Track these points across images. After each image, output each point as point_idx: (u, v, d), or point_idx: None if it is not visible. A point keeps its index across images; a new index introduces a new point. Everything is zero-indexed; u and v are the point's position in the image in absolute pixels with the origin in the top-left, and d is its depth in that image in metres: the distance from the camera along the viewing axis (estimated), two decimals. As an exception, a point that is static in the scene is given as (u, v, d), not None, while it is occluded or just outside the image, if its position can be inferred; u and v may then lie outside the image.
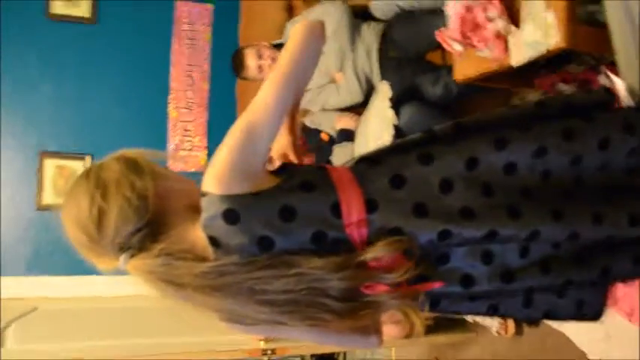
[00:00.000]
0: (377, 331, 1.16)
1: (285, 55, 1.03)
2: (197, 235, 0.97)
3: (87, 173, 1.02)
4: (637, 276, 1.22)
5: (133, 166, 1.01)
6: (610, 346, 1.88)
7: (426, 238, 0.99)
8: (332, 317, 0.98)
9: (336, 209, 0.97)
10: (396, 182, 1.01)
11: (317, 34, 1.08)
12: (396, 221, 0.98)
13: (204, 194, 0.96)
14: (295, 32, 1.06)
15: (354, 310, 0.99)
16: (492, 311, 1.14)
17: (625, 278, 1.21)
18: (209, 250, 0.96)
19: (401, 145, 1.11)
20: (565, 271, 1.09)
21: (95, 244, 0.98)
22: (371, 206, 0.98)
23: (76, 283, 2.90)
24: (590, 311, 1.19)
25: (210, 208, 0.95)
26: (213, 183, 0.95)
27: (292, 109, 1.17)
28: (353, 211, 0.97)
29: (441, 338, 2.79)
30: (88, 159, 3.15)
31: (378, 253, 0.96)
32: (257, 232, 0.94)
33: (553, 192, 1.08)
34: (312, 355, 4.24)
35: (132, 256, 0.97)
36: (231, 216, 0.94)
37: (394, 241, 0.96)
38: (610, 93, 1.23)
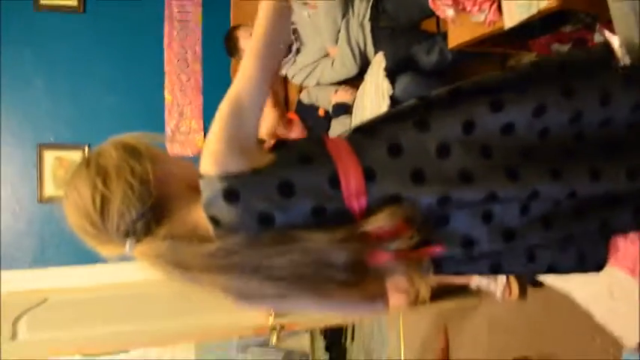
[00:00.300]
0: (382, 295, 1.17)
1: (258, 28, 1.03)
2: (199, 215, 0.97)
3: (86, 162, 1.02)
4: (637, 227, 1.21)
5: (131, 151, 1.01)
6: (615, 303, 1.89)
7: (426, 204, 0.99)
8: (338, 288, 0.99)
9: (334, 181, 0.98)
10: (393, 150, 1.01)
11: (283, 9, 1.07)
12: (394, 188, 0.99)
13: (201, 176, 0.96)
14: (263, 11, 1.05)
15: (360, 280, 1.00)
16: (495, 270, 1.14)
17: (625, 230, 1.21)
18: (211, 230, 0.96)
19: (397, 113, 1.10)
20: (566, 226, 1.09)
21: (99, 232, 0.99)
22: (369, 175, 0.99)
23: (84, 273, 2.92)
24: (592, 263, 1.19)
25: (209, 189, 0.95)
26: (210, 163, 0.95)
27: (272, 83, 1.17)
28: (351, 181, 0.98)
29: (445, 305, 2.81)
30: (87, 148, 3.15)
31: (380, 223, 0.97)
32: (257, 209, 0.95)
33: (552, 150, 1.08)
34: (322, 331, 4.30)
35: (137, 241, 0.98)
36: (230, 194, 0.94)
37: (396, 210, 0.97)
38: (608, 50, 1.22)
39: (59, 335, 2.71)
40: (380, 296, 1.15)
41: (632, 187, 1.10)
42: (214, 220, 0.96)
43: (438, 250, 1.03)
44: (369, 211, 0.98)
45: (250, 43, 1.03)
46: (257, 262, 0.94)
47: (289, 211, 0.96)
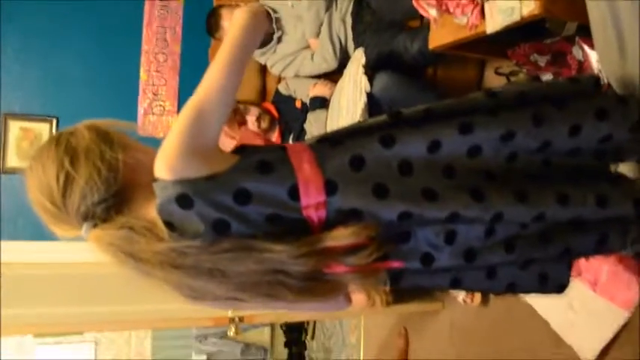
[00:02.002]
0: (345, 293, 1.15)
1: (230, 38, 1.02)
2: (155, 216, 0.95)
3: (57, 138, 1.00)
4: (597, 253, 1.25)
5: (104, 136, 1.00)
6: (574, 315, 1.91)
7: (387, 219, 0.99)
8: (292, 295, 0.98)
9: (293, 191, 0.97)
10: (355, 163, 1.01)
11: (258, 18, 1.06)
12: (355, 202, 0.98)
13: (156, 180, 0.94)
14: (238, 16, 1.05)
15: (315, 288, 1.00)
16: (455, 284, 1.14)
17: (586, 255, 1.25)
18: (166, 232, 0.94)
19: (365, 127, 1.09)
20: (529, 250, 1.10)
21: (58, 210, 0.97)
22: (330, 188, 0.98)
23: (42, 249, 2.84)
24: (553, 285, 1.20)
25: (163, 194, 0.93)
26: (164, 168, 0.92)
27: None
28: (311, 193, 0.97)
29: (408, 307, 2.81)
30: (54, 121, 3.06)
31: (342, 240, 0.96)
32: (212, 216, 0.93)
33: (518, 174, 1.08)
34: (282, 324, 4.28)
35: (94, 226, 0.96)
36: (184, 201, 0.92)
37: (359, 229, 0.96)
38: (596, 83, 1.22)
39: (11, 313, 2.62)
40: (341, 294, 1.14)
41: (601, 215, 1.11)
42: (168, 225, 0.94)
43: (396, 265, 1.04)
44: (328, 223, 0.98)
45: (220, 51, 1.00)
46: (211, 265, 0.94)
47: (244, 217, 0.95)
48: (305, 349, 4.22)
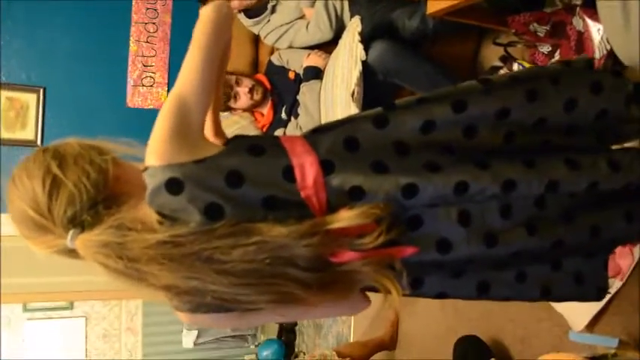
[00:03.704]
0: (359, 291, 1.06)
1: (199, 30, 1.02)
2: (146, 212, 0.92)
3: (44, 148, 0.98)
4: (632, 236, 1.17)
5: (94, 146, 0.99)
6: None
7: (391, 195, 0.94)
8: (299, 289, 0.92)
9: (288, 173, 0.94)
10: (349, 144, 0.99)
11: (224, 11, 1.07)
12: (354, 180, 0.94)
13: (146, 168, 0.92)
14: (204, 12, 1.06)
15: (323, 281, 0.93)
16: (482, 290, 1.08)
17: (621, 240, 1.18)
18: (157, 222, 0.91)
19: (357, 116, 1.08)
20: (552, 231, 1.05)
21: (42, 218, 0.91)
22: (327, 168, 0.95)
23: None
24: (591, 286, 1.15)
25: (153, 181, 0.91)
26: (153, 154, 0.92)
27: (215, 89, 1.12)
28: (307, 174, 0.94)
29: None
30: (42, 91, 3.00)
31: (348, 222, 0.91)
32: (203, 200, 0.90)
33: (519, 149, 1.05)
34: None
35: (82, 231, 0.90)
36: (174, 185, 0.90)
37: (368, 209, 0.91)
38: (589, 65, 1.19)
39: (4, 283, 2.59)
40: (354, 291, 1.04)
41: (616, 182, 1.07)
42: (161, 215, 0.91)
43: (410, 251, 0.97)
44: (330, 207, 0.94)
45: (192, 43, 1.01)
46: (208, 254, 0.88)
47: (239, 201, 0.91)
48: (296, 324, 4.23)
